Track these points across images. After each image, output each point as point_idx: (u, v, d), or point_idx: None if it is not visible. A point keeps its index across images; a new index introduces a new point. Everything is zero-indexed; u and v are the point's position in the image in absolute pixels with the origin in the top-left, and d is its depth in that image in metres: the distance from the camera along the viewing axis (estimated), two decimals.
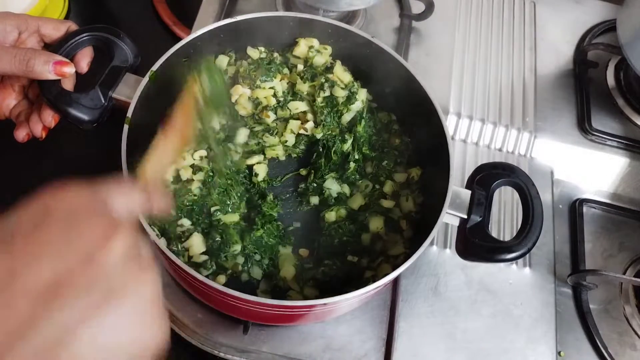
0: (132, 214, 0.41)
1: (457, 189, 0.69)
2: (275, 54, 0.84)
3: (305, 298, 0.72)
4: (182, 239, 0.72)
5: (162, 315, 0.37)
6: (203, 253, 0.72)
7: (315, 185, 0.80)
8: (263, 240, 0.75)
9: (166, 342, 0.37)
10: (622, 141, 1.03)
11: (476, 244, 0.66)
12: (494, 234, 0.68)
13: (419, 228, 0.76)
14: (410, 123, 0.83)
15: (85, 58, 0.70)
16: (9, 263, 0.30)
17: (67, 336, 0.30)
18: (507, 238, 0.88)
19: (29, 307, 0.29)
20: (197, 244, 0.72)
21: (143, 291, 0.35)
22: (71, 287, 0.31)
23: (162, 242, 0.63)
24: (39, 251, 0.31)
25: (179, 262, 0.61)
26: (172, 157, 0.57)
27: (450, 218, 0.68)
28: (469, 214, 0.67)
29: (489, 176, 0.70)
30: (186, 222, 0.73)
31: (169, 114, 0.59)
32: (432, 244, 0.88)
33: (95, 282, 0.32)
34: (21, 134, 0.69)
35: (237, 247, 0.73)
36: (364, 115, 0.82)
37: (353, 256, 0.75)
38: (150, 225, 0.61)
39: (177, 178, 0.76)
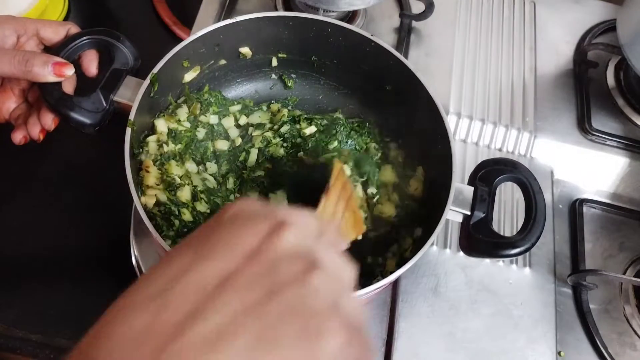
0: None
1: (460, 185, 0.68)
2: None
3: None
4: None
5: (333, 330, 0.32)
6: None
7: None
8: None
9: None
10: (622, 141, 1.03)
11: (480, 240, 0.66)
12: None
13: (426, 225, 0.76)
14: (410, 122, 0.83)
15: (93, 61, 0.70)
16: (183, 262, 0.33)
17: (232, 327, 0.30)
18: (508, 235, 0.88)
19: (197, 299, 0.31)
20: None
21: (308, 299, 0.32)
22: (234, 283, 0.32)
23: (158, 235, 0.62)
24: (208, 252, 0.34)
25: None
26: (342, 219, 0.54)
27: (453, 215, 0.68)
28: (472, 210, 0.67)
29: (491, 172, 0.70)
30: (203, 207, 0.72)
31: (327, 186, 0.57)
32: (432, 244, 0.87)
33: (257, 279, 0.32)
34: (18, 137, 0.69)
35: None
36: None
37: (372, 257, 0.75)
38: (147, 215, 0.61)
39: None
